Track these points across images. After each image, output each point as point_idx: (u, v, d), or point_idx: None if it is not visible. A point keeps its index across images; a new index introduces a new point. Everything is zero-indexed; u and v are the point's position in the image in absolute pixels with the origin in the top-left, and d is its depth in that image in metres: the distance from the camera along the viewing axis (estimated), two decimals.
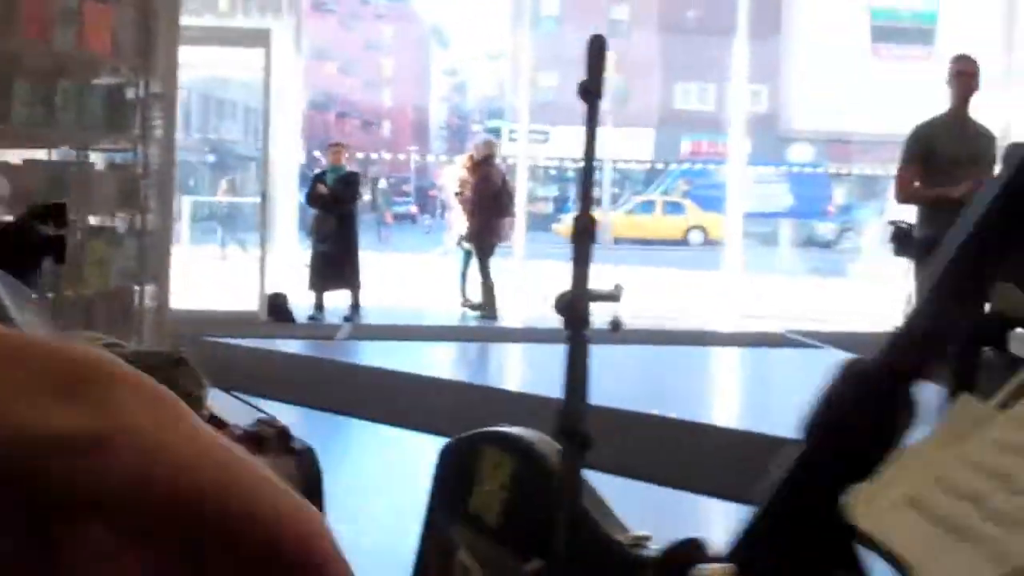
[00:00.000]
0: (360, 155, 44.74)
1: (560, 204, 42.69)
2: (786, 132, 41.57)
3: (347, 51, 56.62)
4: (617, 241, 32.01)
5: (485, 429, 2.52)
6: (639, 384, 8.00)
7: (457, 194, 12.33)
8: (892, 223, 8.98)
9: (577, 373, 1.87)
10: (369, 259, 20.83)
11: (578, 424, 1.84)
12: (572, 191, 45.57)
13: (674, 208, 33.81)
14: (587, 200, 1.97)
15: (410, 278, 17.12)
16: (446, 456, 2.52)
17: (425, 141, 58.53)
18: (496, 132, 39.75)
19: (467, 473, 2.40)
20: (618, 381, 8.04)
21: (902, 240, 8.71)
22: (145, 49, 6.41)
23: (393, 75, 60.12)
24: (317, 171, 12.21)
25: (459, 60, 64.07)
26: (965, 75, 5.92)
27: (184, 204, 19.28)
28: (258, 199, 11.60)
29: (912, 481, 2.61)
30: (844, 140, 38.19)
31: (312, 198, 11.73)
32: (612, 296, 1.98)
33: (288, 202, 13.11)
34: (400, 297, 13.92)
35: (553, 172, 44.84)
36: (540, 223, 38.18)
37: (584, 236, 1.93)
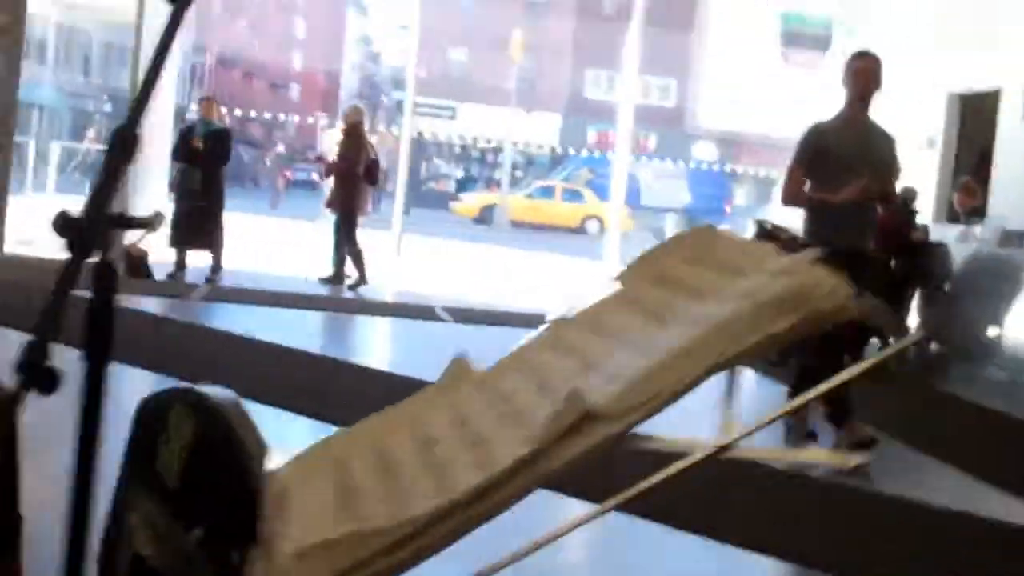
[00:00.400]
0: (266, 116, 43.91)
1: (462, 183, 42.39)
2: (692, 129, 41.85)
3: (260, 9, 55.46)
4: (514, 224, 31.86)
5: (179, 386, 2.33)
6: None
7: (317, 159, 12.01)
8: (757, 221, 8.86)
9: (56, 303, 1.54)
10: (258, 223, 20.47)
11: (40, 358, 1.53)
12: (476, 170, 45.30)
13: (573, 196, 33.73)
14: (139, 111, 1.64)
15: (292, 244, 16.72)
16: (141, 412, 2.33)
17: (334, 108, 57.64)
18: (401, 105, 39.33)
19: (157, 431, 2.26)
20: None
21: (765, 239, 8.58)
22: None
23: (306, 37, 59.10)
24: (184, 125, 11.69)
25: (374, 28, 63.26)
26: (862, 72, 5.52)
27: (54, 150, 18.69)
28: None
29: (351, 443, 2.39)
30: (749, 141, 38.53)
31: (178, 152, 11.26)
32: (146, 223, 1.68)
33: (158, 155, 12.56)
34: (274, 263, 13.53)
35: (458, 150, 44.49)
36: (440, 201, 37.88)
37: (121, 151, 1.61)
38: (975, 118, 11.63)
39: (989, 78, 11.13)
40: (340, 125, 11.96)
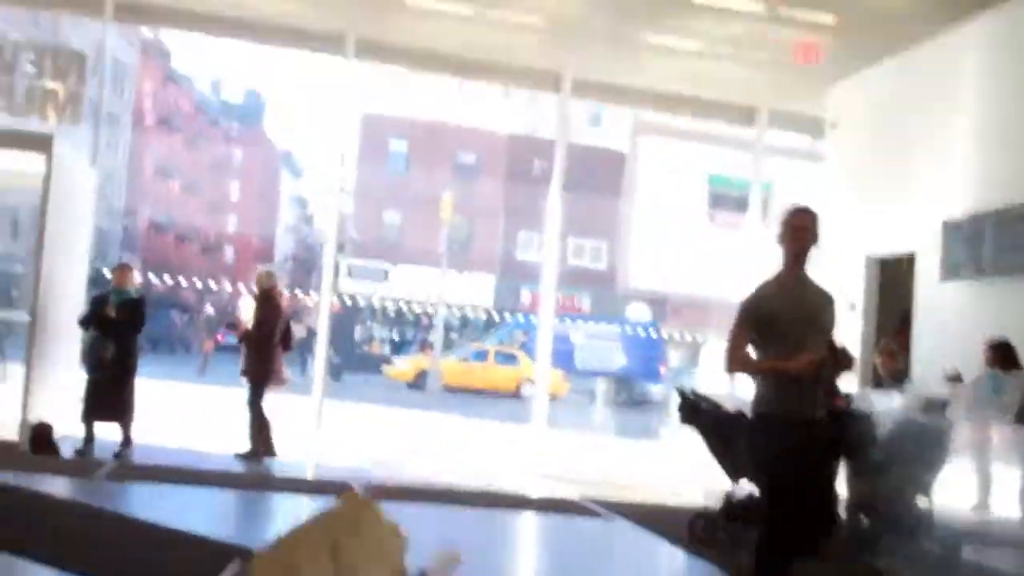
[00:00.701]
0: (199, 280, 43.55)
1: (397, 346, 42.11)
2: (625, 290, 42.17)
3: (194, 172, 55.66)
4: (448, 389, 31.47)
5: None
6: None
7: (229, 324, 11.75)
8: (678, 389, 8.67)
9: None
10: (183, 391, 19.96)
11: None
12: (411, 333, 45.09)
13: (507, 359, 33.53)
14: None
15: (215, 414, 16.24)
16: None
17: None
18: (335, 267, 39.23)
19: None
20: None
21: (687, 409, 8.39)
22: None
23: (240, 200, 59.29)
24: (97, 293, 11.38)
25: (309, 190, 63.75)
26: (799, 228, 5.25)
27: None
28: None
29: None
30: (680, 302, 38.86)
31: (89, 321, 10.92)
32: None
33: (70, 322, 12.17)
34: (193, 435, 13.04)
35: (393, 313, 44.31)
36: (374, 364, 37.48)
37: None
38: (894, 281, 11.69)
39: (904, 241, 11.23)
40: (254, 290, 11.69)
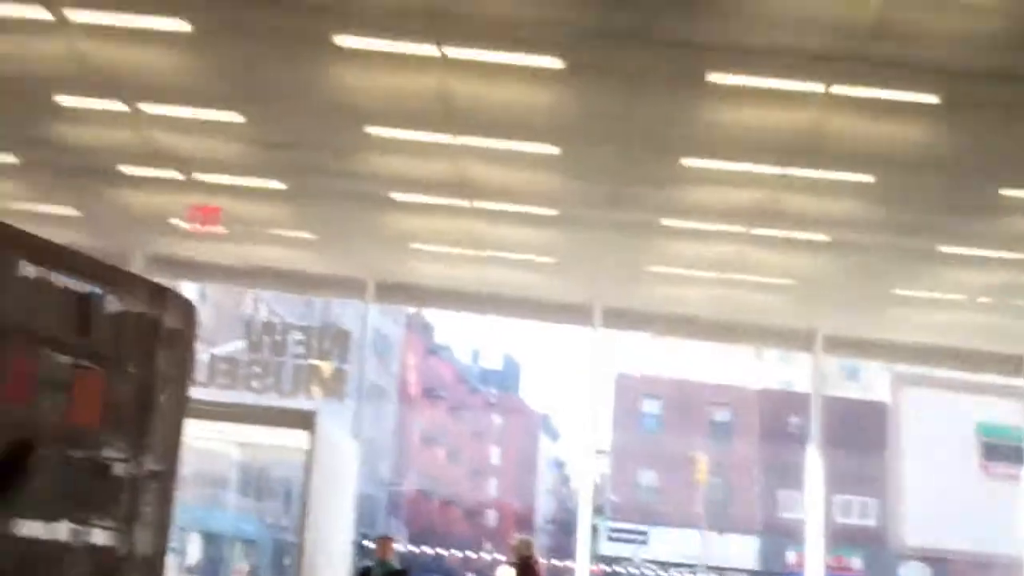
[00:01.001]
0: (462, 546, 44.01)
1: None
2: (898, 549, 39.70)
3: (456, 438, 57.14)
4: None
5: None
6: None
7: None
8: None
9: None
10: None
11: None
12: None
13: None
14: None
15: None
16: None
17: (529, 535, 57.30)
18: (593, 530, 38.82)
19: None
20: None
21: None
22: (142, 422, 6.17)
23: (501, 465, 60.10)
24: (362, 565, 11.68)
25: (567, 453, 64.08)
26: None
27: None
28: None
29: None
30: (957, 561, 36.22)
31: None
32: None
33: None
34: None
35: None
36: None
37: None
38: None
39: None
40: (511, 559, 11.67)
